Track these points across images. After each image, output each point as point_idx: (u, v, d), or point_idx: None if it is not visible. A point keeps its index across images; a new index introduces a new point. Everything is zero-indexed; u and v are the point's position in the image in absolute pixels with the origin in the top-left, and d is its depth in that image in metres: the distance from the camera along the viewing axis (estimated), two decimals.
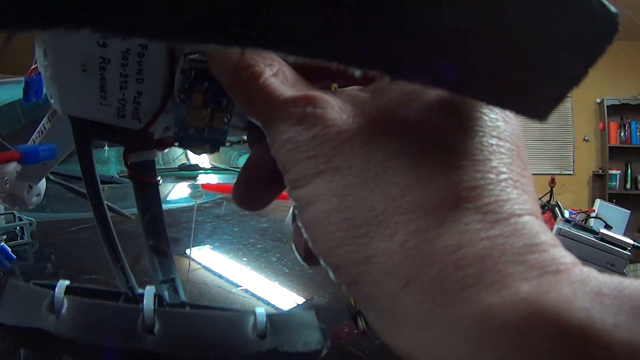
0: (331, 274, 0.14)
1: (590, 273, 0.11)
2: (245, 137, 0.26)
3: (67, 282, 0.22)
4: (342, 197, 0.13)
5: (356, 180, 0.13)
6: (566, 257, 0.12)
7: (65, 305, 0.21)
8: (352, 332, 0.41)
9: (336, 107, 0.14)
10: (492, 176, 0.12)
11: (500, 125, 0.14)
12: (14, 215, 0.55)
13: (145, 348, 0.20)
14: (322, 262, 0.14)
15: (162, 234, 0.26)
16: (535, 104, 0.12)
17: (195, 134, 0.22)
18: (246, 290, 0.53)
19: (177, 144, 0.23)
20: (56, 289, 0.22)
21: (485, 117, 0.14)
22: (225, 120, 0.22)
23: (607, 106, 3.86)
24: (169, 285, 0.25)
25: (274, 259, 0.64)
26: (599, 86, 3.90)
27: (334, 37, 0.10)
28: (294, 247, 0.19)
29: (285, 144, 0.14)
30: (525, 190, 0.13)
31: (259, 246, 0.67)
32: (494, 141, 0.13)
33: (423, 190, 0.12)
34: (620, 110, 3.86)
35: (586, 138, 4.06)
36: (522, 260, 0.11)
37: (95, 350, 0.21)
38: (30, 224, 0.56)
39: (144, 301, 0.22)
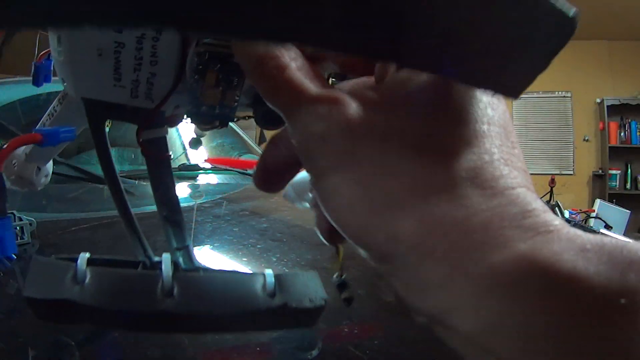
0: (362, 252, 0.16)
1: (576, 232, 0.13)
2: (250, 114, 0.28)
3: (87, 255, 0.23)
4: (364, 186, 0.15)
5: (375, 171, 0.15)
6: (555, 220, 0.14)
7: (89, 276, 0.22)
8: (352, 332, 0.41)
9: (356, 107, 0.16)
10: (487, 157, 0.15)
11: (489, 112, 0.16)
12: (14, 215, 0.55)
13: (166, 310, 0.22)
14: (351, 242, 0.16)
15: (175, 205, 0.28)
16: (509, 86, 0.15)
17: (207, 111, 0.24)
18: None
19: (188, 120, 0.25)
20: (78, 261, 0.23)
21: (476, 107, 0.16)
22: (236, 98, 0.24)
23: (607, 106, 3.86)
24: (183, 252, 0.27)
25: (274, 259, 0.64)
26: (599, 86, 3.90)
27: (354, 35, 0.13)
28: (317, 230, 0.21)
29: (311, 137, 0.16)
30: (515, 166, 0.15)
31: (259, 246, 0.67)
32: (485, 127, 0.15)
33: (431, 174, 0.14)
34: (620, 110, 3.85)
35: (586, 138, 4.06)
36: (518, 224, 0.13)
37: (119, 315, 0.22)
38: (30, 224, 0.56)
39: (163, 267, 0.23)
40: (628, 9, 3.26)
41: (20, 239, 0.54)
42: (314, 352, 0.28)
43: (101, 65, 0.22)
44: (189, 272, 0.26)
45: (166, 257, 0.25)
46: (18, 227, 0.55)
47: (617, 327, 0.11)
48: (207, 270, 0.26)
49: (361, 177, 0.15)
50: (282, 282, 0.25)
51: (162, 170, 0.28)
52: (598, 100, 3.95)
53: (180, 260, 0.27)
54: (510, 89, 0.15)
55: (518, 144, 0.16)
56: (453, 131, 0.15)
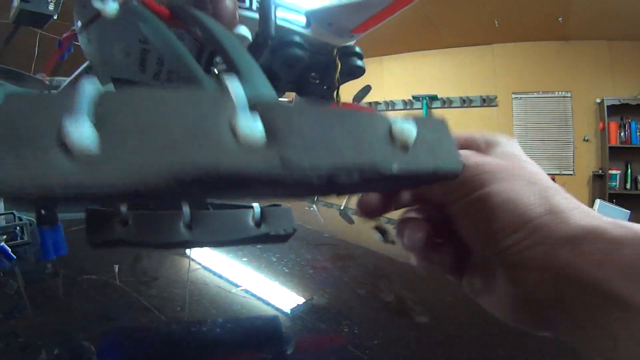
0: (478, 247, 0.25)
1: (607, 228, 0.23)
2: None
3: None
4: (511, 194, 0.24)
5: (511, 188, 0.25)
6: (598, 223, 0.23)
7: (131, 218, 0.30)
8: (352, 332, 0.41)
9: (485, 156, 0.26)
10: (557, 198, 0.24)
11: (543, 178, 0.25)
12: (14, 215, 0.55)
13: (187, 240, 0.30)
14: (479, 244, 0.25)
15: None
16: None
17: None
18: (246, 291, 0.53)
19: None
20: (122, 209, 0.30)
21: (542, 174, 0.26)
22: None
23: (607, 106, 3.85)
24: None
25: (274, 259, 0.65)
26: (599, 86, 3.90)
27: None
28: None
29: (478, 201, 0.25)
30: (568, 198, 0.25)
31: (259, 246, 0.67)
32: (548, 184, 0.25)
33: (540, 200, 0.24)
34: (620, 110, 3.85)
35: (586, 138, 4.06)
36: (583, 219, 0.23)
37: (155, 245, 0.31)
38: (30, 224, 0.56)
39: (183, 208, 0.31)
40: (628, 9, 3.26)
41: (20, 239, 0.54)
42: (289, 349, 0.38)
43: (127, 61, 0.28)
44: (202, 209, 0.33)
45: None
46: (18, 227, 0.55)
47: None
48: (215, 206, 0.34)
49: (508, 188, 0.24)
50: (265, 214, 0.33)
51: None
52: (598, 100, 3.94)
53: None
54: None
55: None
56: (538, 184, 0.25)
